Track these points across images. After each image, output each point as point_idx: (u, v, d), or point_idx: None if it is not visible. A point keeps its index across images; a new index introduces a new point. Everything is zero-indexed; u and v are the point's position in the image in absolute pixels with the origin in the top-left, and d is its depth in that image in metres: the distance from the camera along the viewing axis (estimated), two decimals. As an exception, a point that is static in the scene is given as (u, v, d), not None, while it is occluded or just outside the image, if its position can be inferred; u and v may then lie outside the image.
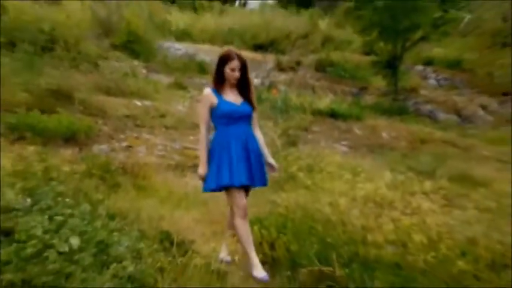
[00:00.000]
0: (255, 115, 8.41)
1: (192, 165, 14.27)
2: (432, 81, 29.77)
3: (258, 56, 27.91)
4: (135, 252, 7.10)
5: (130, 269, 6.36)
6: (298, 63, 27.44)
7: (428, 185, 12.55)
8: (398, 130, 20.79)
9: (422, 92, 27.36)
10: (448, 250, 8.45)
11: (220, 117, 8.11)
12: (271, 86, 23.73)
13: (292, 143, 14.97)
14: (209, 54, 26.39)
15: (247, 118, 8.25)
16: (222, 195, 11.68)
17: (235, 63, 8.05)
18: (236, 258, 9.18)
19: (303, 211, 9.43)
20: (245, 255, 8.41)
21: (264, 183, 8.29)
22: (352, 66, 28.26)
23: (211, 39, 29.86)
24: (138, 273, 6.41)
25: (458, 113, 26.55)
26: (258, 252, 9.14)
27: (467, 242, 9.00)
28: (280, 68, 26.48)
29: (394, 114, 23.51)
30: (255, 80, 24.03)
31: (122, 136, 15.17)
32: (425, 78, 29.83)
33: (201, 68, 24.74)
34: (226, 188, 8.12)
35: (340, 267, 7.30)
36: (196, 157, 14.57)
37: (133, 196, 10.78)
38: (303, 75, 26.44)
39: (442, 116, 25.79)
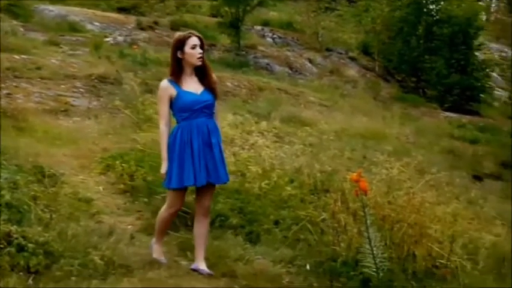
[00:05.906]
0: (217, 105, 6.66)
1: (64, 110, 14.03)
2: (269, 40, 29.98)
3: (121, 17, 27.47)
4: (12, 183, 7.02)
5: (8, 197, 6.29)
6: (156, 23, 27.08)
7: (263, 125, 12.73)
8: (240, 80, 20.90)
9: (261, 48, 27.56)
10: (278, 178, 8.66)
11: (180, 110, 6.40)
12: (133, 43, 23.45)
13: (149, 90, 14.74)
14: (79, 15, 25.95)
15: (209, 108, 6.47)
16: (91, 133, 11.60)
17: (194, 40, 6.36)
18: (101, 188, 9.14)
19: (158, 147, 9.41)
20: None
21: (224, 180, 6.67)
22: (202, 26, 28.03)
23: (81, 3, 29.11)
24: (15, 200, 6.36)
25: (290, 65, 26.92)
26: (119, 183, 9.17)
27: (294, 171, 9.23)
28: (140, 27, 26.03)
29: (237, 67, 23.60)
30: (118, 38, 23.73)
31: (3, 85, 14.73)
32: (263, 37, 30.01)
33: (72, 27, 24.22)
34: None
35: (188, 194, 7.29)
36: (67, 103, 14.36)
37: (13, 136, 10.55)
38: (160, 33, 26.18)
39: (276, 68, 26.06)
